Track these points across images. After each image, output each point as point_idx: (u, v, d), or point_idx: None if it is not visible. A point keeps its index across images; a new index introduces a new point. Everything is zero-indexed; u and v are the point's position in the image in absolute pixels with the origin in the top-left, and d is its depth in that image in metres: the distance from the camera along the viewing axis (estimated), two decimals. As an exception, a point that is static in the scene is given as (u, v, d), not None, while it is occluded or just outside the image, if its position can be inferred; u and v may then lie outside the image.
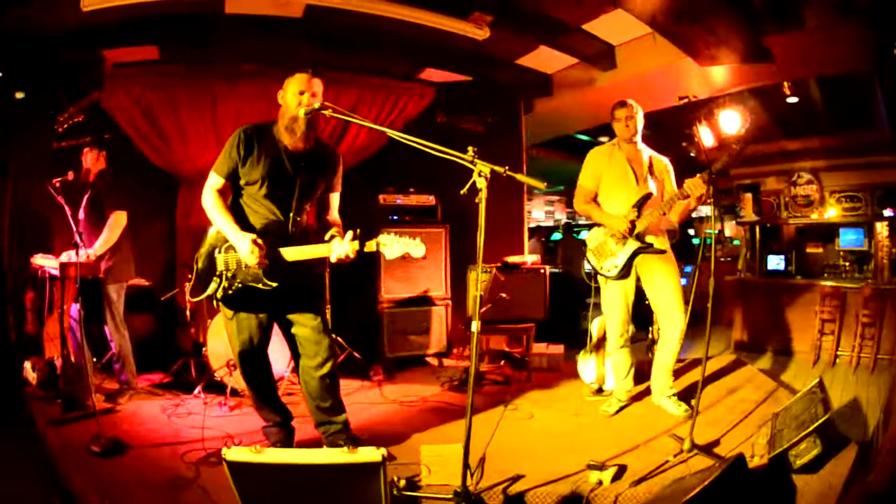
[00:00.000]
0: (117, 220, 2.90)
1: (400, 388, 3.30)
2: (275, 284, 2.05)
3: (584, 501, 1.91)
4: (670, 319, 2.58)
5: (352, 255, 1.97)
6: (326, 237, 2.11)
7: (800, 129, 4.22)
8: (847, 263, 4.31)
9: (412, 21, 2.89)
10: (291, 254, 2.05)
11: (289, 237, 2.09)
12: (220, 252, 2.09)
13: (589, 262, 2.69)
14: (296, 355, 2.22)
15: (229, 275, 2.07)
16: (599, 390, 2.98)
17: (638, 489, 1.93)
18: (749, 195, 4.57)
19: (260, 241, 1.98)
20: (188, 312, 3.21)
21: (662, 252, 2.61)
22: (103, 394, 3.06)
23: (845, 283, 3.99)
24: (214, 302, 2.11)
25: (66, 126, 3.34)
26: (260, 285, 2.04)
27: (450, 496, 1.82)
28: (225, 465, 1.61)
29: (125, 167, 3.14)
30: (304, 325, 2.14)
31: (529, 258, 3.70)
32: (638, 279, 2.67)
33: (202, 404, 2.94)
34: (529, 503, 1.94)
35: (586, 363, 3.05)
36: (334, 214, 2.24)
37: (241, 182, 2.08)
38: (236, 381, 2.95)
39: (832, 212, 4.33)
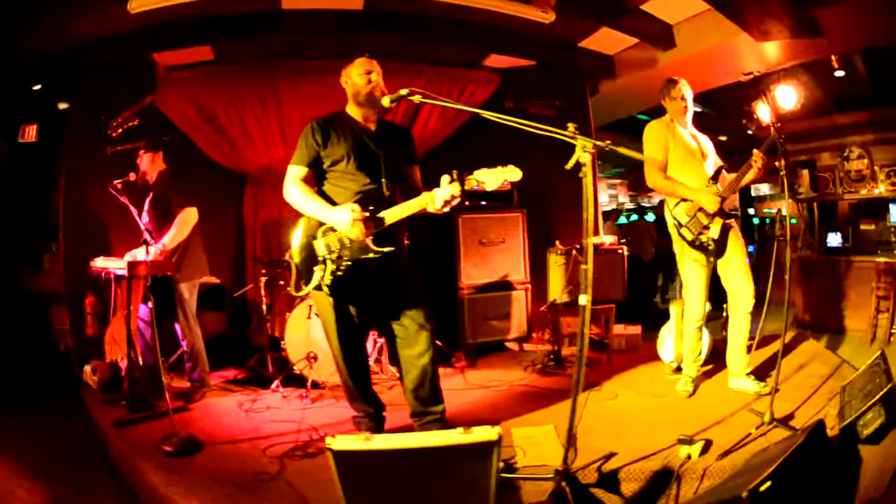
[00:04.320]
0: (187, 217, 2.93)
1: (483, 374, 3.38)
2: (386, 249, 2.06)
3: (674, 475, 1.98)
4: (742, 297, 2.66)
5: (457, 195, 1.98)
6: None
7: (849, 102, 4.28)
8: (898, 239, 4.33)
9: (476, 7, 2.98)
10: (391, 214, 2.07)
11: (386, 200, 2.12)
12: (317, 238, 2.11)
13: (683, 237, 2.66)
14: (393, 344, 2.26)
15: (334, 257, 2.07)
16: (678, 369, 3.06)
17: (724, 462, 2.02)
18: (806, 171, 4.63)
19: (357, 208, 2.00)
20: (265, 307, 3.31)
21: (733, 227, 2.69)
22: (173, 393, 3.02)
23: (896, 260, 4.03)
24: (325, 288, 2.10)
25: (120, 131, 3.42)
26: (371, 255, 2.06)
27: (550, 475, 1.86)
28: (330, 455, 1.53)
29: (187, 166, 3.21)
30: (407, 314, 2.18)
31: (607, 239, 3.78)
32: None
33: (281, 398, 3.00)
34: (623, 480, 2.02)
35: (665, 342, 3.16)
36: (419, 185, 2.29)
37: (326, 165, 2.15)
38: (316, 373, 3.04)
39: (883, 187, 4.38)
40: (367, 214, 2.03)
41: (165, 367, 3.44)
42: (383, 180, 2.15)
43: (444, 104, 2.07)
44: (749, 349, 2.78)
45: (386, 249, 2.06)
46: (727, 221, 2.65)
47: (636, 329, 3.80)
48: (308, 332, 3.13)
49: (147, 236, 2.74)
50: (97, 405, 3.02)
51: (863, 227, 4.37)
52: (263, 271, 3.40)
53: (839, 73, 3.83)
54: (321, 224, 2.10)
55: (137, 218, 2.81)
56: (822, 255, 4.34)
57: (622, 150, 1.71)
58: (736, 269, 2.67)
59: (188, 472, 2.17)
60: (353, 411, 2.41)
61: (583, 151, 1.67)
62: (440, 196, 1.99)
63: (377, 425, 2.37)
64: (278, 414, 2.76)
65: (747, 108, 2.92)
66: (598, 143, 1.71)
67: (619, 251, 3.71)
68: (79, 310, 3.49)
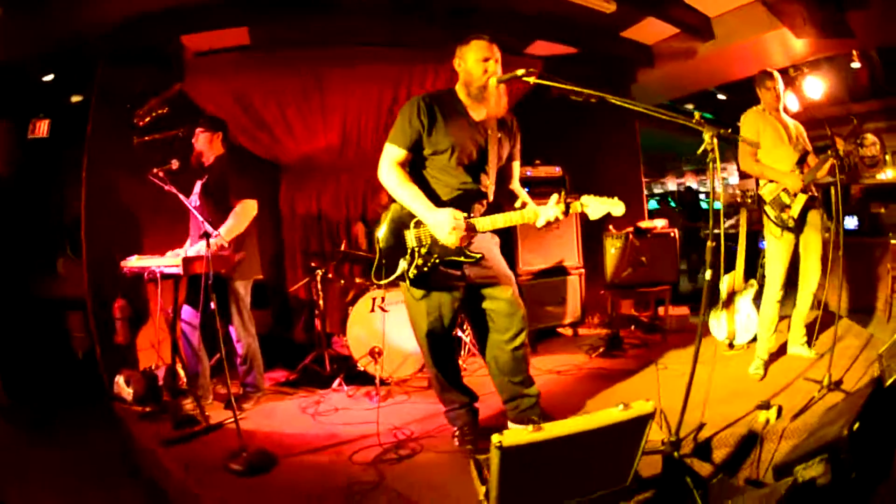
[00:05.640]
0: (247, 208, 2.89)
1: (547, 359, 3.60)
2: (479, 255, 2.11)
3: (759, 438, 2.31)
4: (811, 276, 3.10)
5: (561, 217, 2.13)
6: (517, 204, 2.24)
7: (863, 91, 4.83)
8: (909, 222, 4.87)
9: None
10: (490, 222, 2.13)
11: (484, 201, 2.21)
12: (409, 228, 2.11)
13: (767, 214, 3.06)
14: (482, 329, 2.29)
15: (423, 251, 2.08)
16: (730, 345, 3.46)
17: (797, 422, 2.38)
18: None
19: (460, 217, 2.04)
20: (321, 302, 3.35)
21: (815, 207, 3.09)
22: (221, 401, 3.02)
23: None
24: (407, 280, 2.12)
25: (147, 119, 3.38)
26: (462, 258, 2.10)
27: (661, 448, 2.04)
28: (497, 453, 1.52)
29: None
30: (498, 297, 2.20)
31: (658, 222, 4.11)
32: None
33: (346, 397, 3.03)
34: (715, 446, 2.32)
35: (718, 321, 3.49)
36: (516, 183, 2.36)
37: (427, 152, 2.13)
38: (382, 369, 3.09)
39: (892, 172, 4.97)
40: (469, 223, 2.07)
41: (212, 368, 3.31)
42: (485, 179, 2.19)
43: (561, 87, 2.06)
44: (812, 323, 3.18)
45: (477, 256, 2.13)
46: (815, 199, 3.05)
47: (684, 310, 4.17)
48: (371, 326, 3.19)
49: (207, 227, 2.65)
50: (134, 420, 2.93)
51: (873, 210, 4.93)
52: (314, 264, 3.45)
53: (856, 65, 4.35)
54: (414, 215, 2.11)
55: (191, 207, 2.76)
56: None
57: (740, 139, 1.95)
58: (812, 250, 3.08)
59: (270, 492, 2.02)
60: (442, 406, 2.41)
61: (710, 139, 1.83)
62: (545, 216, 2.12)
63: (473, 417, 2.39)
64: (349, 416, 2.74)
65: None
66: (723, 131, 1.85)
67: (671, 234, 4.07)
68: (106, 315, 3.42)
